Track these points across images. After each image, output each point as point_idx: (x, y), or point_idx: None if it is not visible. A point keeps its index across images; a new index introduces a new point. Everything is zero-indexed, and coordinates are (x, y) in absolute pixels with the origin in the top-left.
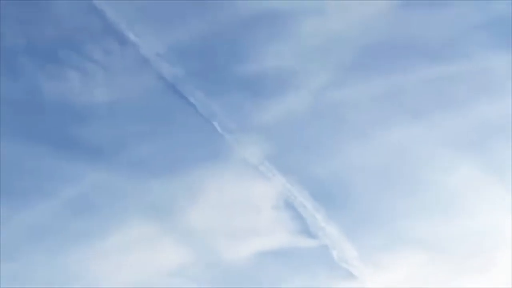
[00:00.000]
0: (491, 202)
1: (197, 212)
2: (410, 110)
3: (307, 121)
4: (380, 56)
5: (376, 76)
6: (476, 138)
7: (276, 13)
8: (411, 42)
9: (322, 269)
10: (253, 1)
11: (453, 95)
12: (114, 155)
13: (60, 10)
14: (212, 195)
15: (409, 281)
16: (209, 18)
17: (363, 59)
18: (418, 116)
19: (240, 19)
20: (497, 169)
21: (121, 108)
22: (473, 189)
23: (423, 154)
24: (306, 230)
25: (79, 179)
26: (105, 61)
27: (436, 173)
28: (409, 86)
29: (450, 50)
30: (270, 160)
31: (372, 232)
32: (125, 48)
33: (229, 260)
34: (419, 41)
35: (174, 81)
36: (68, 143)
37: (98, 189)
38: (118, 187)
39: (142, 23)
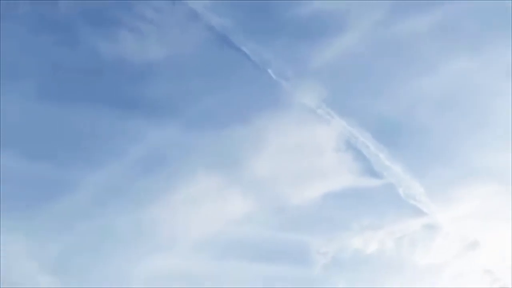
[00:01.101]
0: None
1: (260, 160)
2: (472, 39)
3: (363, 60)
4: None
5: (432, 6)
6: None
7: None
8: None
9: (390, 207)
10: None
11: None
12: (175, 111)
13: None
14: (274, 142)
15: (479, 213)
16: None
17: None
18: (481, 45)
19: None
20: None
21: (176, 63)
22: None
23: (489, 84)
24: (370, 170)
25: (145, 137)
26: (157, 19)
27: (505, 103)
28: (468, 14)
29: None
30: (328, 103)
31: (439, 166)
32: (174, 4)
33: (295, 205)
34: None
35: (225, 32)
36: (130, 103)
37: (164, 145)
38: (183, 142)
39: None
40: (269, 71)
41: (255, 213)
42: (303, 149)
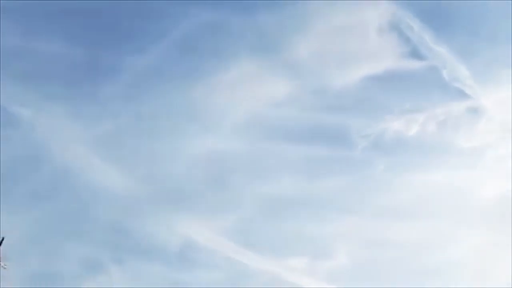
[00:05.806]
0: None
1: (303, 42)
2: None
3: None
4: None
5: None
6: None
7: None
8: None
9: (432, 90)
10: None
11: None
12: None
13: None
14: (317, 24)
15: None
16: None
17: None
18: None
19: None
20: None
21: None
22: None
23: None
24: (414, 52)
25: (185, 19)
26: None
27: None
28: None
29: None
30: None
31: (487, 49)
32: None
33: (336, 87)
34: None
35: None
36: None
37: (206, 27)
38: (225, 24)
39: None
40: None
41: (296, 95)
42: (345, 31)
